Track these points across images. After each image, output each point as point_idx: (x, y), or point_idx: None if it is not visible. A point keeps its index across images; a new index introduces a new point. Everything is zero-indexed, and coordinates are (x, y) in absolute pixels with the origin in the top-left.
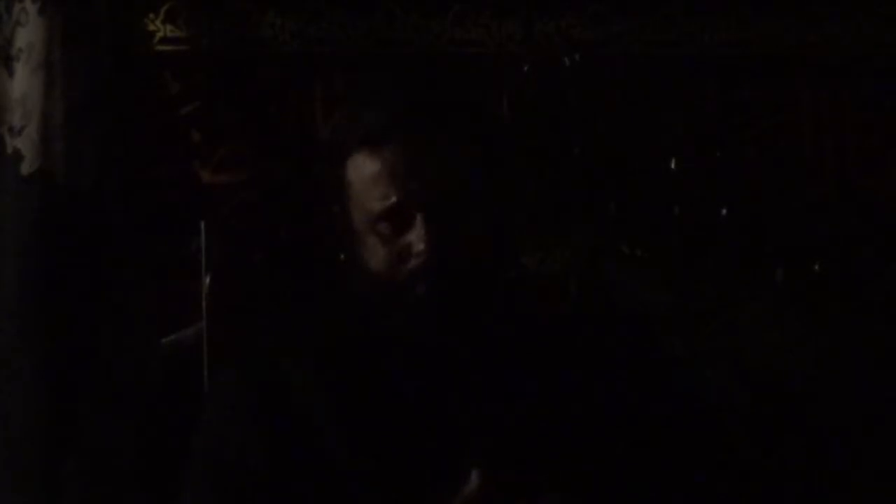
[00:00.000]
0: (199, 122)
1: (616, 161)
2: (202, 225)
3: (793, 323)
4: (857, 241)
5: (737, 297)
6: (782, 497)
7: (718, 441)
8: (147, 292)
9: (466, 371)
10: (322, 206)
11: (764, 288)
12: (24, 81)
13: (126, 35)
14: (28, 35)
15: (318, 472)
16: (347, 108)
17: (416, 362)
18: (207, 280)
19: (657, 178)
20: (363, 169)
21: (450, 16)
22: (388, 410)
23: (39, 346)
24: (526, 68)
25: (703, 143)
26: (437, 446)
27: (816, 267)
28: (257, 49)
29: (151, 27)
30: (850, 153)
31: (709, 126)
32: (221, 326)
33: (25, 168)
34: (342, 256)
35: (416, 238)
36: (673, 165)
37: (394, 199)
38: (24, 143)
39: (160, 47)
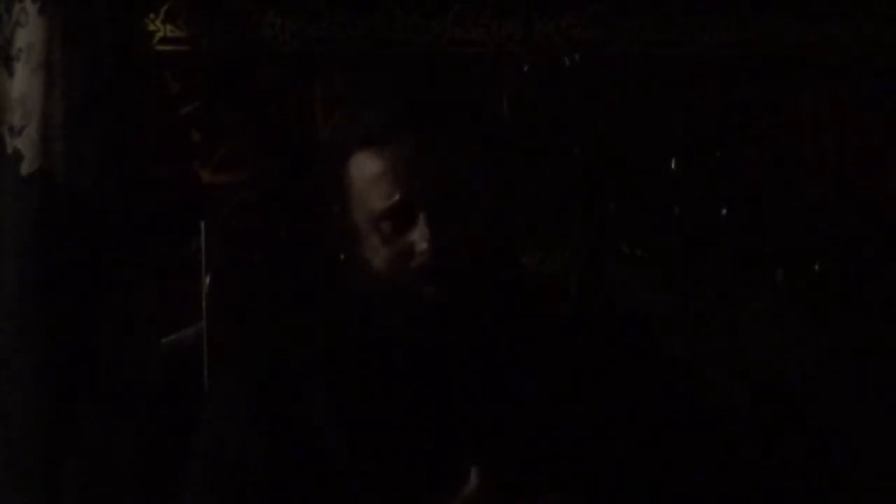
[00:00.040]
0: (199, 122)
1: (616, 161)
2: (202, 225)
3: (793, 323)
4: (857, 241)
5: (737, 297)
6: (782, 497)
7: (718, 441)
8: (147, 292)
9: (466, 371)
10: (322, 206)
11: (764, 288)
12: (24, 81)
13: (126, 35)
14: (28, 35)
15: (318, 472)
16: (347, 108)
17: (417, 362)
18: (207, 280)
19: (657, 178)
20: (364, 168)
21: (450, 16)
22: (387, 410)
23: (39, 346)
24: (526, 68)
25: (703, 143)
26: (437, 446)
27: (816, 267)
28: (257, 49)
29: (151, 27)
30: (850, 153)
31: (709, 126)
32: (221, 326)
33: (25, 168)
34: (342, 256)
35: (418, 237)
36: (673, 165)
37: (397, 197)
38: (24, 143)
39: (160, 47)
